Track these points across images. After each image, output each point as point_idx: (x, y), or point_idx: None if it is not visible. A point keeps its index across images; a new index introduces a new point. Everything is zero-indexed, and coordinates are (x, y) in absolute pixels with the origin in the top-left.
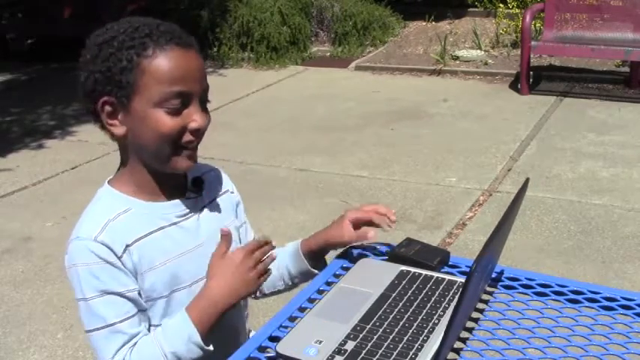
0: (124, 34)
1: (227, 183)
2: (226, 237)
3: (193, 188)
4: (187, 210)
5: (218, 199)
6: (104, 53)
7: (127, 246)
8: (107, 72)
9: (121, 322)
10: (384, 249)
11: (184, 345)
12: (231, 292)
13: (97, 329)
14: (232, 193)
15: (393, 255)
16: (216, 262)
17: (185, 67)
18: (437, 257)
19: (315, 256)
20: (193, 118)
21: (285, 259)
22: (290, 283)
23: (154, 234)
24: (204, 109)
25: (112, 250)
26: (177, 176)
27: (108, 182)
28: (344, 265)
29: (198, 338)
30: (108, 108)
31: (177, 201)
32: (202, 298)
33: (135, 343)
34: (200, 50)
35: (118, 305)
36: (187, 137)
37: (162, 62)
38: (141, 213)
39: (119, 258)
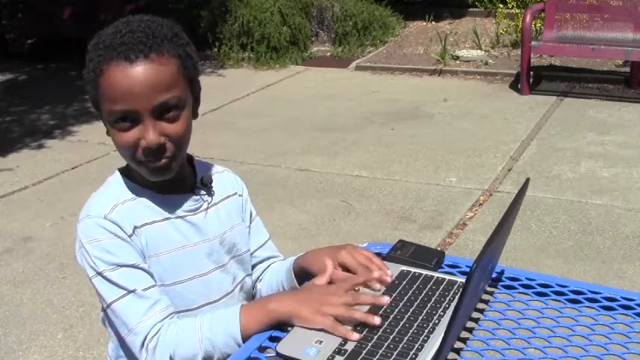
0: (96, 44)
1: (236, 186)
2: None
3: (202, 186)
4: (194, 206)
5: (226, 201)
6: (87, 58)
7: (136, 227)
8: (85, 78)
9: (143, 289)
10: (383, 250)
11: (223, 337)
12: (291, 311)
13: (119, 298)
14: (240, 196)
15: (389, 259)
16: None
17: (126, 84)
18: (433, 258)
19: (305, 276)
20: (142, 135)
21: (282, 273)
22: None
23: (161, 222)
24: (172, 119)
25: (121, 228)
26: (181, 174)
27: (119, 170)
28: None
29: (238, 336)
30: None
31: (184, 196)
32: (261, 304)
33: (170, 317)
34: (172, 52)
35: (134, 275)
36: (139, 154)
37: (106, 80)
38: (148, 202)
39: (129, 236)
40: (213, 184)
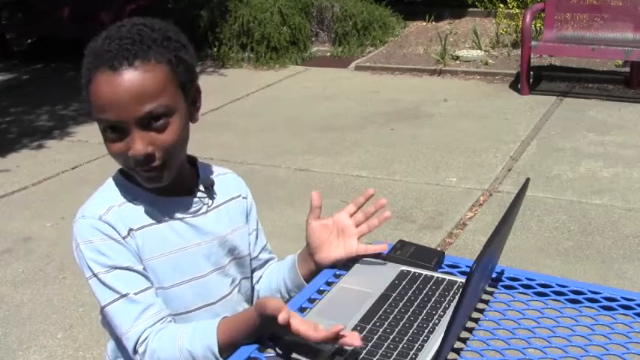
0: (88, 49)
1: (240, 188)
2: None
3: (203, 189)
4: (195, 208)
5: (229, 203)
6: (83, 62)
7: (132, 230)
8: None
9: (135, 293)
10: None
11: (202, 349)
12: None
13: (112, 302)
14: (245, 198)
15: (389, 259)
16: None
17: (110, 94)
18: (433, 258)
19: (309, 270)
20: (130, 146)
21: (283, 272)
22: (287, 297)
23: (159, 225)
24: (161, 128)
25: (116, 229)
26: (182, 177)
27: (119, 171)
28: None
29: (216, 350)
30: None
31: (184, 198)
32: (243, 319)
33: (161, 322)
34: (158, 57)
35: (127, 278)
36: (131, 164)
37: (94, 89)
38: (147, 204)
39: (123, 238)
40: (215, 186)
